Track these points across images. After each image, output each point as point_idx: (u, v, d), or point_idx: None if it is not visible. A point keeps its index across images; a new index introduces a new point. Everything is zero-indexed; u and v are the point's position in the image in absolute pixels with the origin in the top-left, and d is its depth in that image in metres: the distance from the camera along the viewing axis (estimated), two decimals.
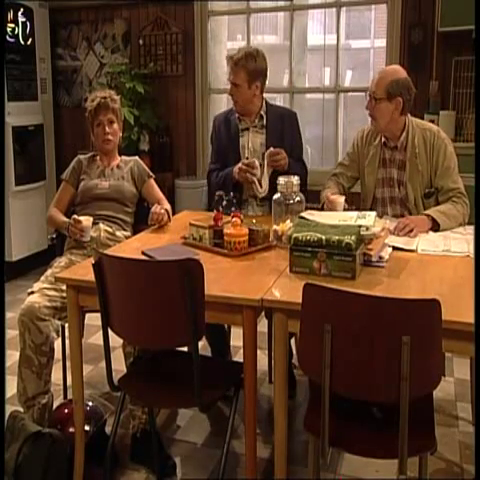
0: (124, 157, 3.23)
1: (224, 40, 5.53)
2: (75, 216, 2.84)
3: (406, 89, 2.77)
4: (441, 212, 2.75)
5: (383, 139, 2.93)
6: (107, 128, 3.07)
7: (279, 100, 5.35)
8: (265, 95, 3.19)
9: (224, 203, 2.75)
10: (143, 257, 2.28)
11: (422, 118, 4.24)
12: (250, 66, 3.02)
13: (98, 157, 3.17)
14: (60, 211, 3.07)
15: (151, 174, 3.21)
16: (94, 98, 3.09)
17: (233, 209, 2.68)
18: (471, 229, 2.70)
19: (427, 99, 4.30)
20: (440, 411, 2.93)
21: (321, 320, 1.67)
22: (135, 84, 4.93)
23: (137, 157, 3.29)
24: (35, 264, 4.82)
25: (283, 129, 3.14)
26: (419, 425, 1.78)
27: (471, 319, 1.69)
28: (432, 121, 4.22)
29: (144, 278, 1.88)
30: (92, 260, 2.00)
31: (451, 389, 3.16)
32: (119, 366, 2.47)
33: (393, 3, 4.44)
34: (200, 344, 1.95)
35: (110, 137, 3.09)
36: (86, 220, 2.81)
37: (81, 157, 3.19)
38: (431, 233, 2.66)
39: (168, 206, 3.04)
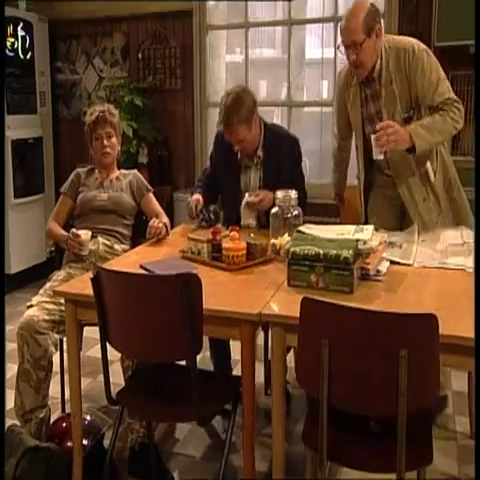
0: (123, 170, 3.24)
1: (223, 54, 5.55)
2: (74, 230, 2.85)
3: (376, 12, 2.69)
4: (424, 126, 2.65)
5: (359, 78, 2.85)
6: (105, 142, 3.08)
7: (277, 114, 5.37)
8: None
9: (210, 216, 2.80)
10: (141, 271, 2.29)
11: None
12: (243, 114, 2.86)
13: (97, 170, 3.18)
14: (59, 224, 3.07)
15: (150, 188, 3.22)
16: (93, 112, 3.10)
17: (213, 219, 2.81)
18: (467, 235, 2.71)
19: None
20: (438, 424, 2.93)
21: (319, 334, 1.68)
22: (134, 98, 4.96)
23: (136, 170, 3.31)
24: (34, 277, 4.81)
25: (281, 163, 3.03)
26: (417, 439, 1.78)
27: (468, 333, 1.69)
28: None
29: (142, 292, 1.88)
30: (90, 274, 2.00)
31: (449, 402, 3.15)
32: (117, 380, 2.47)
33: (390, 18, 4.47)
34: (199, 357, 1.95)
35: (108, 150, 3.10)
36: (85, 234, 2.82)
37: (80, 170, 3.20)
38: (427, 243, 2.67)
39: (166, 220, 3.04)
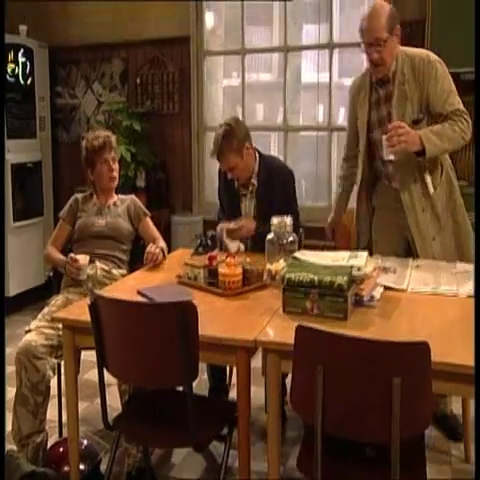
0: (121, 196, 3.27)
1: (220, 78, 5.61)
2: (72, 254, 2.87)
3: (395, 14, 2.77)
4: (434, 132, 2.70)
5: (373, 78, 2.89)
6: (113, 166, 3.13)
7: (274, 138, 5.41)
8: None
9: (208, 242, 2.84)
10: (139, 297, 2.31)
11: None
12: (233, 143, 3.00)
13: (95, 196, 3.20)
14: (57, 249, 3.09)
15: (147, 212, 3.24)
16: (96, 137, 3.13)
17: (210, 245, 2.85)
18: (462, 267, 2.74)
19: None
20: (433, 448, 2.92)
21: (313, 361, 1.69)
22: (132, 122, 5.00)
23: (133, 196, 3.33)
24: (32, 299, 4.81)
25: (274, 194, 3.11)
26: (411, 464, 1.80)
27: (460, 361, 1.72)
28: None
29: (139, 320, 1.90)
30: (88, 300, 2.02)
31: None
32: (115, 403, 2.49)
33: None
34: (196, 381, 1.96)
35: (115, 174, 3.16)
36: (83, 259, 2.83)
37: (78, 196, 3.22)
38: (422, 269, 2.70)
39: (163, 244, 3.07)
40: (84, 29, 5.43)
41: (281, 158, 4.80)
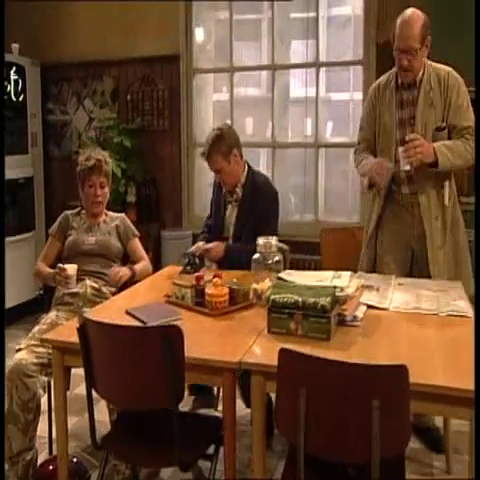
0: (111, 213, 3.28)
1: (209, 95, 5.66)
2: (60, 265, 2.88)
3: (428, 25, 2.83)
4: (447, 147, 2.81)
5: (399, 80, 2.95)
6: (98, 191, 3.12)
7: (263, 153, 5.44)
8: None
9: (196, 261, 2.86)
10: (127, 317, 2.33)
11: None
12: (221, 146, 3.12)
13: (85, 212, 3.22)
14: (47, 265, 3.10)
15: (136, 233, 3.27)
16: (89, 158, 3.12)
17: (198, 263, 2.87)
18: (442, 284, 2.77)
19: None
20: (415, 460, 2.95)
21: (296, 384, 1.72)
22: (122, 139, 5.03)
23: (124, 214, 3.35)
24: (24, 313, 4.82)
25: (254, 209, 3.17)
26: None
27: (439, 382, 1.75)
28: None
29: (126, 343, 1.92)
30: (77, 322, 2.04)
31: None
32: (104, 417, 2.50)
33: (368, 67, 4.59)
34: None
35: (100, 200, 3.15)
36: (71, 268, 2.84)
37: (68, 213, 3.25)
38: (404, 287, 2.73)
39: (145, 266, 3.15)
40: (76, 47, 5.48)
41: (269, 173, 4.89)
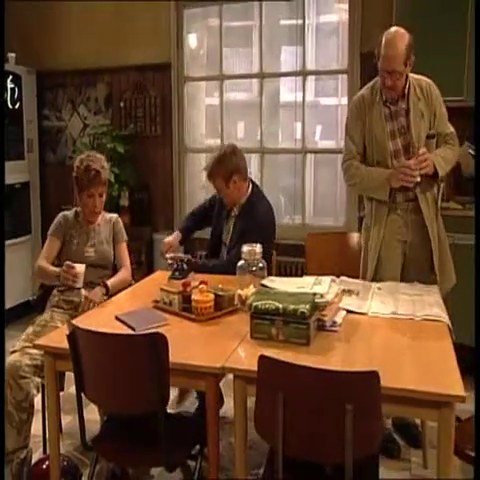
0: (105, 213, 3.25)
1: (200, 101, 5.72)
2: (68, 262, 2.84)
3: (412, 46, 2.85)
4: (442, 157, 2.94)
5: (384, 96, 2.99)
6: (97, 202, 3.09)
7: (254, 157, 5.48)
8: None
9: (184, 267, 2.91)
10: (117, 323, 2.38)
11: None
12: (221, 171, 3.16)
13: (81, 216, 3.18)
14: (48, 262, 3.06)
15: (125, 237, 3.27)
16: (90, 169, 3.04)
17: (186, 269, 2.90)
18: (420, 289, 2.83)
19: None
20: (394, 456, 3.02)
21: (274, 389, 1.77)
22: (116, 145, 5.06)
23: (117, 215, 3.33)
24: (19, 314, 4.85)
25: (246, 230, 3.15)
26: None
27: (409, 385, 1.81)
28: None
29: (113, 350, 1.98)
30: (66, 330, 2.09)
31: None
32: (97, 416, 2.55)
33: (352, 75, 4.65)
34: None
35: (98, 210, 3.14)
36: (79, 267, 2.82)
37: (66, 213, 3.20)
38: (383, 291, 2.79)
39: (125, 276, 3.13)
40: (70, 55, 5.52)
41: (259, 175, 4.94)
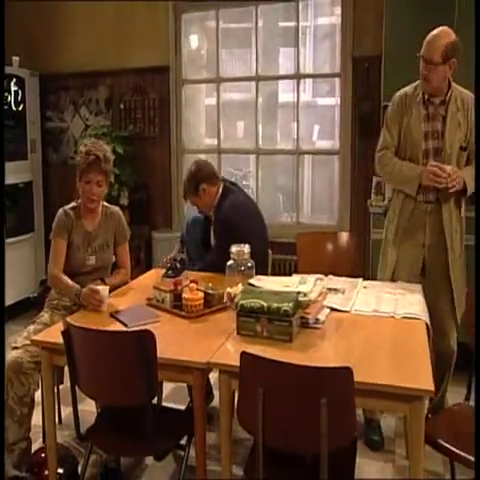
0: (107, 206, 3.16)
1: (202, 101, 5.82)
2: (91, 286, 2.71)
3: (458, 49, 2.90)
4: (471, 177, 2.95)
5: (426, 96, 3.03)
6: (94, 190, 2.94)
7: (253, 156, 5.54)
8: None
9: (177, 266, 2.99)
10: (111, 319, 2.47)
11: (371, 182, 4.49)
12: (190, 188, 3.34)
13: (82, 214, 3.05)
14: (60, 268, 2.96)
15: (127, 237, 3.21)
16: (89, 152, 2.92)
17: (179, 268, 2.99)
18: (404, 288, 2.88)
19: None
20: (378, 448, 3.09)
21: (255, 384, 1.85)
22: (115, 145, 5.12)
23: (119, 209, 3.22)
24: (23, 309, 4.94)
25: (215, 230, 3.34)
26: (340, 471, 1.97)
27: (382, 381, 1.89)
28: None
29: (105, 346, 2.06)
30: (61, 327, 2.17)
31: (392, 426, 3.31)
32: (93, 408, 2.64)
33: (345, 79, 4.71)
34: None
35: (95, 198, 2.97)
36: (103, 289, 2.68)
37: (66, 209, 3.04)
38: (368, 290, 2.86)
39: (124, 277, 3.11)
40: (72, 59, 5.59)
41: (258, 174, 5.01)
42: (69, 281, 2.89)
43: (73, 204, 3.10)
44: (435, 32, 2.93)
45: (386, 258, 3.21)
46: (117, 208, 3.21)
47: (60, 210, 3.07)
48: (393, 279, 3.12)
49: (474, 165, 3.00)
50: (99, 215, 3.11)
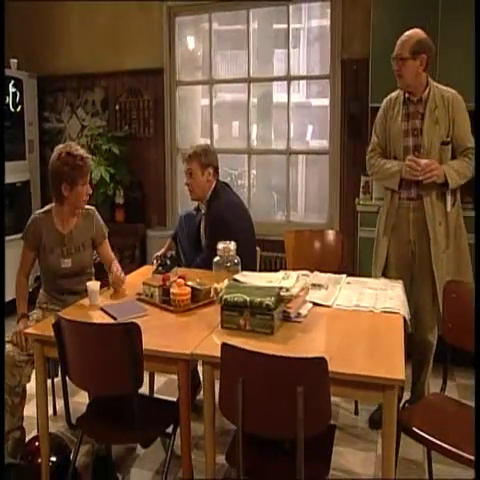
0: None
1: (198, 101, 5.87)
2: (21, 328, 2.80)
3: (428, 46, 3.04)
4: (455, 170, 3.04)
5: (406, 95, 3.15)
6: (89, 190, 2.96)
7: (247, 158, 5.61)
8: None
9: (167, 262, 3.05)
10: (101, 313, 2.54)
11: (359, 181, 4.56)
12: (199, 154, 3.35)
13: (55, 217, 3.01)
14: (25, 274, 3.10)
15: (106, 235, 3.17)
16: (77, 157, 2.88)
17: (169, 265, 3.04)
18: (385, 284, 2.95)
19: (364, 165, 4.54)
20: (362, 438, 3.17)
21: (235, 374, 1.92)
22: (111, 146, 5.21)
23: (94, 208, 3.15)
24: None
25: (206, 226, 3.38)
26: (317, 456, 2.04)
27: (356, 371, 1.96)
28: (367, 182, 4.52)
29: (94, 338, 2.14)
30: (53, 320, 2.24)
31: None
32: (86, 400, 2.72)
33: (334, 80, 4.77)
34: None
35: (88, 198, 2.99)
36: (94, 284, 2.72)
37: (37, 216, 3.03)
38: (352, 286, 2.93)
39: (119, 266, 3.08)
40: (69, 61, 5.68)
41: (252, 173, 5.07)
42: (21, 298, 3.06)
43: (47, 208, 3.06)
44: (406, 33, 3.09)
45: (377, 255, 3.31)
46: (93, 208, 3.15)
47: (32, 217, 3.04)
48: (385, 275, 3.22)
49: (464, 159, 3.09)
50: (76, 217, 3.05)
